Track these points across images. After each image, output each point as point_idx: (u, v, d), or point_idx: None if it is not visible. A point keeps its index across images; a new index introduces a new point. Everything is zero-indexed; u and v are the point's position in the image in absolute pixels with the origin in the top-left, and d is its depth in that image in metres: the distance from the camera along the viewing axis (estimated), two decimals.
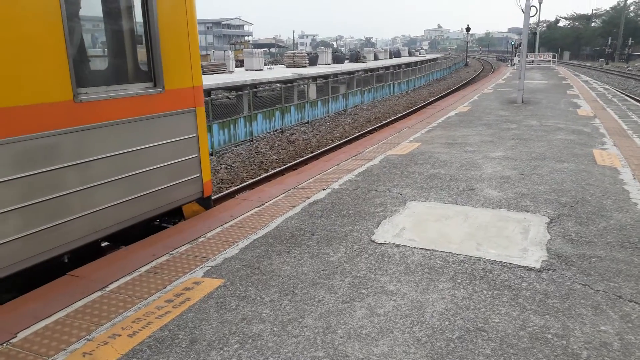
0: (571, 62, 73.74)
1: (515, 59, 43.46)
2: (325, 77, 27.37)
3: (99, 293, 3.80)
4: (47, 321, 3.40)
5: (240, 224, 5.23)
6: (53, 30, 4.03)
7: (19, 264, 4.01)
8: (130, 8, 5.07)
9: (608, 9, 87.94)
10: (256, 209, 5.70)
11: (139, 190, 5.02)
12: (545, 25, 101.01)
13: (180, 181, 5.54)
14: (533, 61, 42.31)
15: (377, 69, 34.72)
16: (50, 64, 4.05)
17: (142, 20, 4.97)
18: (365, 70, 32.71)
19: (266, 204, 5.90)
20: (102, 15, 5.09)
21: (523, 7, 14.34)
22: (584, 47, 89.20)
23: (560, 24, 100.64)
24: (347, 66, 36.63)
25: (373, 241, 4.57)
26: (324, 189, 6.37)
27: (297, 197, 6.11)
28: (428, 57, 65.83)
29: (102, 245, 5.27)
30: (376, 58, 48.50)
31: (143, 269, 4.21)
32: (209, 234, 4.96)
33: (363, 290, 3.63)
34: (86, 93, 4.41)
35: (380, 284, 3.72)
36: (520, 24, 14.64)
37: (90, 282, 4.01)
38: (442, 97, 25.86)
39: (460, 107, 14.78)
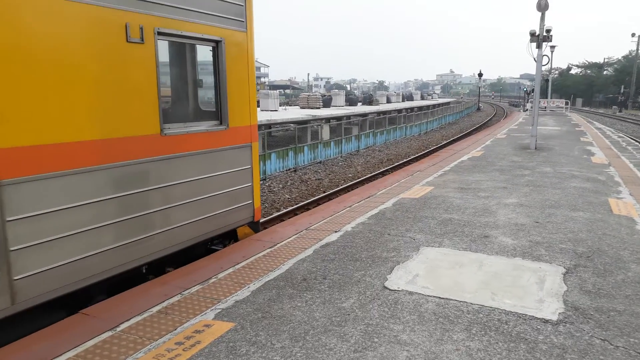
0: (584, 108, 74.03)
1: (528, 105, 43.75)
2: (338, 118, 27.72)
3: (110, 333, 3.78)
4: None
5: (252, 265, 5.22)
6: (150, 78, 4.98)
7: (111, 270, 4.71)
8: (214, 67, 5.99)
9: (620, 58, 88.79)
10: (268, 250, 5.69)
11: (206, 212, 5.82)
12: (557, 72, 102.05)
13: (237, 206, 6.35)
14: (546, 107, 42.53)
15: (389, 112, 35.12)
16: (147, 104, 4.97)
17: (212, 71, 5.95)
18: (378, 113, 33.10)
19: (278, 244, 5.90)
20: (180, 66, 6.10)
21: (535, 56, 14.55)
22: (597, 94, 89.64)
23: (573, 71, 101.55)
24: (360, 108, 37.16)
25: (386, 287, 4.52)
26: (336, 231, 6.35)
27: (309, 238, 6.09)
28: (440, 100, 66.61)
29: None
30: (389, 101, 49.17)
31: (154, 309, 4.19)
32: (220, 275, 4.95)
33: (376, 339, 3.57)
34: (169, 128, 5.28)
35: (394, 333, 3.66)
36: (531, 70, 14.89)
37: (101, 321, 4.00)
38: (455, 140, 25.97)
39: (473, 152, 14.82)
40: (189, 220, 5.57)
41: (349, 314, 3.98)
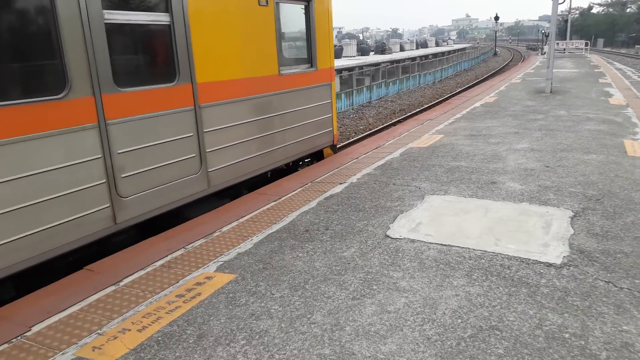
0: (605, 49, 71.41)
1: (546, 48, 42.31)
2: (349, 69, 27.17)
3: (113, 287, 3.84)
4: (61, 315, 3.44)
5: (256, 218, 5.22)
6: (272, 31, 6.60)
7: (254, 172, 6.56)
8: (306, 22, 7.64)
9: None
10: (272, 204, 5.68)
11: (305, 135, 7.58)
12: (577, 12, 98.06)
13: (323, 132, 8.13)
14: (565, 49, 41.11)
15: (403, 60, 34.34)
16: (270, 51, 6.62)
17: (304, 27, 7.60)
18: (391, 62, 32.38)
19: (282, 198, 5.87)
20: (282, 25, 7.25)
21: None
22: (619, 34, 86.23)
23: (594, 10, 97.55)
24: (372, 58, 36.34)
25: (388, 236, 4.48)
26: (341, 183, 6.30)
27: (313, 191, 6.06)
28: (456, 47, 64.78)
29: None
30: (402, 49, 48.01)
31: (158, 264, 4.23)
32: (224, 229, 4.96)
33: (374, 287, 3.56)
34: (282, 70, 6.91)
35: (393, 280, 3.64)
36: (550, 11, 14.20)
37: (105, 276, 4.06)
38: (469, 87, 25.36)
39: (486, 98, 14.45)
40: (295, 140, 7.37)
41: (349, 263, 3.97)
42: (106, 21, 4.53)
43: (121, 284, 3.90)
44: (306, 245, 4.39)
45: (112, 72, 4.59)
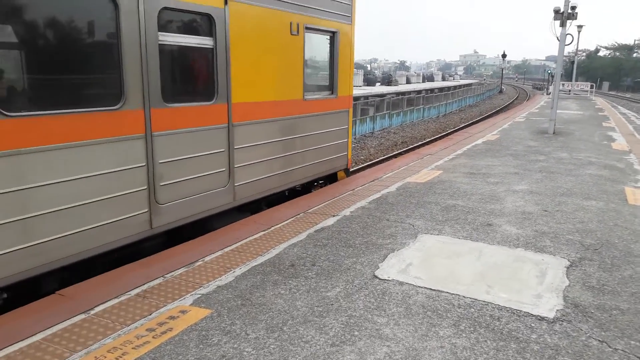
0: (610, 93, 71.88)
1: (551, 88, 42.60)
2: (355, 98, 27.23)
3: (83, 316, 3.65)
4: (22, 344, 3.25)
5: (242, 248, 5.05)
6: (299, 59, 7.11)
7: (276, 189, 6.97)
8: (329, 50, 8.13)
9: None
10: (261, 233, 5.52)
11: (322, 157, 7.98)
12: (584, 54, 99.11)
13: (339, 155, 8.54)
14: (570, 91, 41.33)
15: (408, 93, 34.49)
16: (297, 77, 7.13)
17: (328, 56, 8.09)
18: (396, 94, 32.53)
19: (273, 227, 5.71)
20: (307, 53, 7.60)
21: (558, 35, 13.94)
22: (625, 78, 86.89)
23: (601, 53, 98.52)
24: (378, 89, 36.54)
25: (376, 276, 4.31)
26: (334, 215, 6.14)
27: (305, 222, 5.90)
28: (462, 82, 65.28)
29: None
30: (408, 81, 48.37)
31: (133, 292, 4.05)
32: (207, 258, 4.79)
33: (356, 332, 3.37)
34: (306, 95, 7.37)
35: (376, 326, 3.46)
36: (557, 51, 14.23)
37: (76, 303, 3.87)
38: (473, 123, 25.36)
39: (488, 135, 14.39)
40: (314, 162, 7.76)
41: (332, 304, 3.78)
42: (160, 42, 4.99)
43: (92, 312, 3.71)
44: (290, 281, 4.21)
45: (160, 88, 5.01)
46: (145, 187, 4.98)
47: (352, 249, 4.99)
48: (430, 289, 4.08)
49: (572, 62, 41.74)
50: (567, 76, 50.42)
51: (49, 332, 3.41)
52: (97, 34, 4.57)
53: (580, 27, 36.54)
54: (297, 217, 6.14)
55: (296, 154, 7.28)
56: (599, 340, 3.33)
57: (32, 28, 4.08)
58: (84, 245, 4.47)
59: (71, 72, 4.37)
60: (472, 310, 3.72)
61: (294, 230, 5.60)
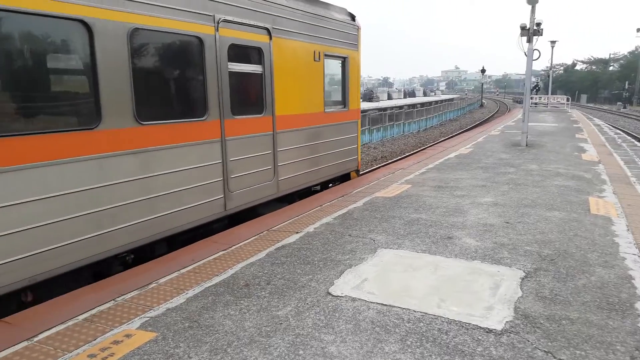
0: (588, 105, 73.22)
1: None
2: None
3: (25, 343, 3.57)
4: None
5: (198, 269, 4.99)
6: (321, 80, 8.79)
7: (305, 184, 8.60)
8: (341, 72, 9.87)
9: (626, 54, 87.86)
10: (221, 253, 5.47)
11: (338, 160, 9.62)
12: (562, 68, 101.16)
13: (350, 158, 10.26)
14: (547, 104, 42.05)
15: (390, 108, 34.79)
16: (319, 94, 8.80)
17: (341, 76, 9.87)
18: (378, 109, 32.78)
19: (233, 247, 5.67)
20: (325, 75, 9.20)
21: (526, 50, 14.22)
22: (602, 91, 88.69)
23: (578, 67, 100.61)
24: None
25: (329, 293, 4.28)
26: (297, 232, 6.12)
27: (267, 240, 5.86)
28: (443, 97, 66.08)
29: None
30: (390, 97, 48.86)
31: (81, 317, 3.97)
32: (162, 280, 4.72)
33: (301, 352, 3.33)
34: (326, 108, 9.07)
35: (322, 345, 3.42)
36: (537, 66, 14.51)
37: (21, 330, 3.79)
38: (449, 138, 25.59)
39: (462, 149, 14.52)
40: (332, 163, 9.42)
41: (281, 323, 3.74)
42: (229, 69, 6.54)
43: (35, 339, 3.63)
44: (242, 301, 4.16)
45: (230, 104, 6.58)
46: (222, 179, 6.57)
47: (310, 265, 4.96)
48: (382, 304, 4.06)
49: (548, 76, 42.49)
50: (546, 89, 51.32)
51: None
52: (195, 65, 6.12)
53: (553, 42, 37.38)
54: (260, 235, 6.10)
55: (319, 157, 8.93)
56: (544, 351, 3.33)
57: (164, 63, 5.92)
58: (186, 219, 6.05)
59: (177, 92, 6.09)
60: (421, 324, 3.71)
61: (255, 248, 5.56)
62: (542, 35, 13.90)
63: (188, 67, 6.09)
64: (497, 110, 55.12)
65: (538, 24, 13.81)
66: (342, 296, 4.21)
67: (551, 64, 46.57)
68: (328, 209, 7.36)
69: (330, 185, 10.03)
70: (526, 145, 14.81)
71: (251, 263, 5.08)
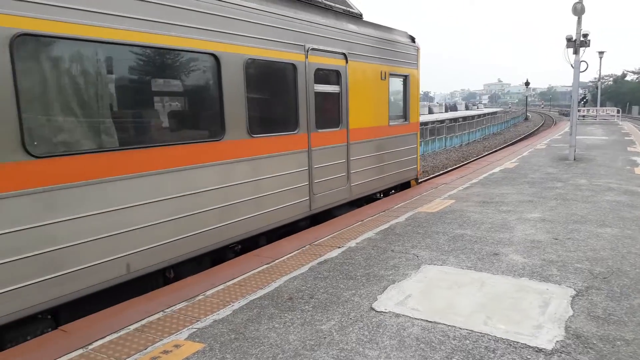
0: None
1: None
2: None
3: (80, 351, 3.72)
4: None
5: (243, 282, 5.08)
6: (386, 96, 9.72)
7: (372, 189, 9.48)
8: (402, 89, 10.86)
9: None
10: (265, 266, 5.54)
11: (400, 169, 10.54)
12: (611, 79, 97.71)
13: (411, 167, 11.16)
14: (595, 117, 40.67)
15: (430, 123, 34.45)
16: (384, 109, 9.73)
17: (402, 92, 10.83)
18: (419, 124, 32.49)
19: (277, 260, 5.74)
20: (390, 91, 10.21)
21: (572, 62, 13.86)
22: None
23: (628, 77, 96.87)
24: None
25: (373, 309, 4.27)
26: (339, 247, 6.14)
27: (309, 254, 5.91)
28: (486, 110, 64.96)
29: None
30: (430, 112, 48.46)
31: (132, 327, 4.11)
32: (209, 292, 4.83)
33: None
34: (390, 121, 10.00)
35: None
36: (585, 77, 14.16)
37: (76, 338, 3.95)
38: (494, 152, 25.09)
39: (507, 163, 14.22)
40: (395, 171, 10.32)
41: (325, 337, 3.76)
42: (315, 90, 7.64)
43: (90, 347, 3.78)
44: (286, 314, 4.21)
45: (315, 120, 7.65)
46: (307, 183, 7.61)
47: (353, 280, 4.96)
48: (427, 320, 4.02)
49: (597, 88, 41.15)
50: (594, 101, 49.67)
51: None
52: (290, 88, 7.25)
53: (601, 53, 36.19)
54: (302, 249, 6.16)
55: (384, 165, 9.86)
56: None
57: (267, 87, 7.04)
58: (282, 216, 7.12)
59: (277, 110, 7.33)
60: (467, 342, 3.65)
61: (298, 263, 5.62)
62: (589, 46, 13.55)
63: (285, 90, 7.25)
64: (543, 124, 53.67)
65: (585, 35, 13.46)
66: (385, 312, 4.20)
67: (599, 75, 45.09)
68: (370, 224, 7.35)
69: (392, 192, 10.84)
70: (574, 159, 14.36)
71: (294, 277, 5.13)
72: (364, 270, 5.25)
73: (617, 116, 40.68)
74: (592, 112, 41.47)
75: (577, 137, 15.25)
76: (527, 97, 77.48)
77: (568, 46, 13.76)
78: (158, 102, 5.47)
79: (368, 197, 9.67)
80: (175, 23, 5.32)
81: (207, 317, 4.23)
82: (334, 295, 4.60)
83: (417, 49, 11.17)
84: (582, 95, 49.27)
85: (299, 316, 4.16)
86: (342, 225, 7.35)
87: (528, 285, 4.71)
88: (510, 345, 3.59)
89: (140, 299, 4.80)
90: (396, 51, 10.14)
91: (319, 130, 7.77)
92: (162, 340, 3.83)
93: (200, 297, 4.72)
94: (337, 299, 4.50)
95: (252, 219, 6.50)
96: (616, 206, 8.08)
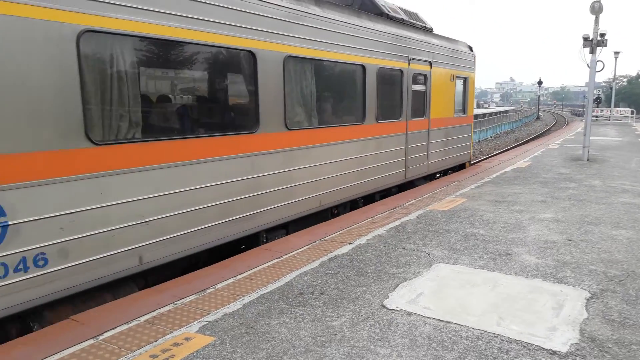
0: None
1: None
2: None
3: (91, 341, 3.72)
4: None
5: (254, 276, 5.06)
6: (452, 97, 12.41)
7: (441, 168, 12.07)
8: (462, 88, 13.23)
9: None
10: (275, 260, 5.53)
11: (457, 153, 12.87)
12: (625, 79, 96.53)
13: (465, 152, 13.56)
14: (609, 117, 40.21)
15: None
16: (452, 105, 12.23)
17: (462, 90, 13.17)
18: None
19: (287, 255, 5.72)
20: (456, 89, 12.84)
21: (588, 62, 13.68)
22: None
23: None
24: None
25: (384, 306, 4.23)
26: (349, 243, 6.10)
27: (320, 250, 5.88)
28: (497, 109, 64.37)
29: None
30: None
31: (143, 318, 4.11)
32: (219, 285, 4.82)
33: None
34: (455, 113, 12.45)
35: (378, 358, 3.38)
36: (599, 78, 13.95)
37: (87, 328, 3.96)
38: (506, 150, 24.89)
39: (519, 162, 14.09)
40: (455, 155, 12.80)
41: (336, 334, 3.73)
42: (412, 89, 10.11)
43: (100, 337, 3.78)
44: (296, 310, 4.19)
45: (411, 111, 10.16)
46: (404, 158, 10.16)
47: (364, 277, 4.93)
48: (439, 319, 3.97)
49: (611, 88, 40.63)
50: (607, 102, 49.07)
51: (56, 357, 3.49)
52: (399, 88, 9.84)
53: (617, 53, 35.71)
54: (313, 244, 6.13)
55: (450, 148, 12.35)
56: None
57: (390, 89, 9.64)
58: (392, 179, 9.85)
59: (392, 103, 9.74)
60: (480, 342, 3.60)
61: (308, 258, 5.59)
62: (606, 46, 13.35)
63: (398, 88, 9.80)
64: (555, 123, 53.12)
65: (602, 35, 13.27)
66: (397, 310, 4.16)
67: (614, 76, 44.54)
68: (380, 221, 7.31)
69: (450, 171, 13.19)
70: (587, 159, 14.19)
71: (305, 272, 5.11)
72: (375, 267, 5.21)
73: (631, 117, 40.18)
74: (606, 112, 40.99)
75: (590, 138, 15.06)
76: (539, 96, 76.78)
77: (585, 45, 13.57)
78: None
79: (432, 175, 12.11)
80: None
81: (218, 310, 4.21)
82: (345, 291, 4.57)
83: (474, 57, 13.81)
84: (596, 96, 48.71)
85: (309, 312, 4.14)
86: (352, 222, 7.31)
87: (541, 287, 4.65)
88: (524, 347, 3.54)
89: (151, 290, 4.80)
90: (460, 58, 12.67)
91: (412, 119, 10.31)
92: (172, 332, 3.83)
93: (210, 289, 4.71)
94: (348, 296, 4.47)
95: (374, 181, 9.16)
96: (631, 208, 7.96)
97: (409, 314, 4.08)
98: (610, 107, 42.45)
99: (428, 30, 11.31)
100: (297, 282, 4.81)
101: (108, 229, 4.65)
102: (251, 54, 6.12)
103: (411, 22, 10.53)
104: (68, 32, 4.21)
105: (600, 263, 5.31)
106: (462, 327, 3.85)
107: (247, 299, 4.43)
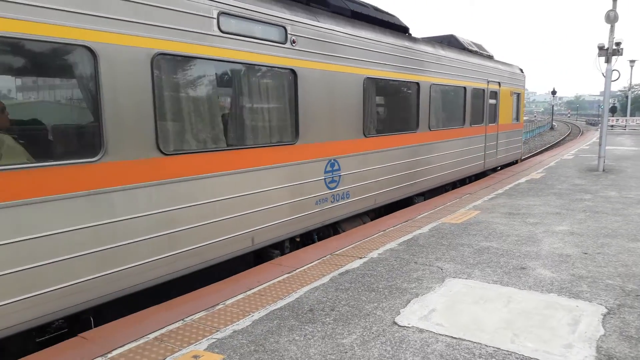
0: None
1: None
2: None
3: (100, 359, 3.71)
4: None
5: (263, 291, 5.02)
6: (511, 107, 16.03)
7: (502, 162, 16.05)
8: (517, 101, 16.90)
9: None
10: (285, 276, 5.48)
11: (508, 152, 16.16)
12: None
13: (516, 152, 17.16)
14: (625, 127, 39.69)
15: None
16: (510, 114, 16.10)
17: (516, 103, 16.62)
18: None
19: (297, 270, 5.67)
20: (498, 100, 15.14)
21: (604, 71, 13.53)
22: None
23: None
24: None
25: (395, 323, 4.16)
26: (360, 258, 6.04)
27: (330, 264, 5.82)
28: None
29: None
30: None
31: (151, 336, 4.09)
32: (228, 301, 4.78)
33: None
34: (512, 120, 16.55)
35: None
36: (614, 87, 13.79)
37: (95, 346, 3.94)
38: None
39: (533, 174, 13.92)
40: (511, 153, 16.30)
41: (346, 352, 3.67)
42: (488, 103, 13.81)
43: (109, 355, 3.76)
44: (306, 327, 4.13)
45: (487, 118, 13.84)
46: (482, 153, 13.38)
47: (375, 293, 4.86)
48: (452, 336, 3.89)
49: (627, 97, 40.14)
50: (623, 111, 48.49)
51: None
52: (482, 102, 13.18)
53: (632, 61, 35.35)
54: (323, 259, 6.08)
55: (508, 147, 15.63)
56: None
57: (477, 103, 13.07)
58: (476, 169, 13.41)
59: (476, 113, 12.96)
60: None
61: (318, 273, 5.54)
62: (622, 55, 13.21)
63: (481, 103, 13.04)
64: (569, 133, 52.50)
65: (617, 44, 13.13)
66: (409, 327, 4.09)
67: (630, 84, 44.03)
68: (392, 234, 7.24)
69: (500, 168, 15.94)
70: (603, 170, 13.98)
71: (315, 287, 5.06)
72: (387, 283, 5.14)
73: None
74: (621, 121, 40.47)
75: (606, 148, 14.86)
76: (553, 105, 76.13)
77: (600, 54, 13.44)
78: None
79: (495, 168, 15.31)
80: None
81: (227, 327, 4.18)
82: (356, 307, 4.51)
83: (524, 77, 17.27)
84: (612, 105, 48.17)
85: (319, 329, 4.08)
86: (363, 236, 7.24)
87: (557, 302, 4.54)
88: None
89: (160, 307, 4.78)
90: (515, 78, 16.07)
91: (489, 125, 13.63)
92: (181, 350, 3.80)
93: (220, 305, 4.68)
94: (359, 312, 4.40)
95: (468, 168, 12.68)
96: None
97: (421, 330, 4.01)
98: (625, 116, 41.90)
99: (490, 57, 14.48)
100: (308, 298, 4.76)
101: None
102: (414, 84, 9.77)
103: (480, 52, 13.61)
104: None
105: (617, 277, 5.18)
106: (475, 344, 3.76)
107: (256, 316, 4.39)
